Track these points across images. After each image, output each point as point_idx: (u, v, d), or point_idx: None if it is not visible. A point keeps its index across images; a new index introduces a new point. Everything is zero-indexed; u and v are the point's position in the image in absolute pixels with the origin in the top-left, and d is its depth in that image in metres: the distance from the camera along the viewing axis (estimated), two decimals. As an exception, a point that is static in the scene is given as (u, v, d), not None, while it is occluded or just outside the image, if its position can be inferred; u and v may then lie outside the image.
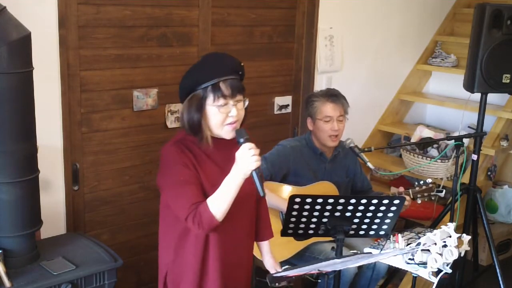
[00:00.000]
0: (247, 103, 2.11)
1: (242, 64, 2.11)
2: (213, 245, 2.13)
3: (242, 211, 2.17)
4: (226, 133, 2.06)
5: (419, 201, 3.02)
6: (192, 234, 2.11)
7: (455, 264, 2.51)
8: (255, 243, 2.43)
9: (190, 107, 2.05)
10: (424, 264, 2.31)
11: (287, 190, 3.02)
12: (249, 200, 2.21)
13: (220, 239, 2.13)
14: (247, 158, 1.93)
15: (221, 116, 2.03)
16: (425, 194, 3.01)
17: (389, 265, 3.01)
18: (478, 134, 3.54)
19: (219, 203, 1.99)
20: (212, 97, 2.01)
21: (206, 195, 2.04)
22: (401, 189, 3.00)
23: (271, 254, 2.48)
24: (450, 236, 2.27)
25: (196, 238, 2.12)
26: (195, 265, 2.14)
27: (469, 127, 4.30)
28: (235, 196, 1.99)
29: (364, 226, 2.44)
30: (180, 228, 2.12)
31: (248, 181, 1.99)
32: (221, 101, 2.01)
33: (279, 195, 2.98)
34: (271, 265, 2.46)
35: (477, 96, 3.56)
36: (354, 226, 2.42)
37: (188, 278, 2.16)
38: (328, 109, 3.07)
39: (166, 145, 2.13)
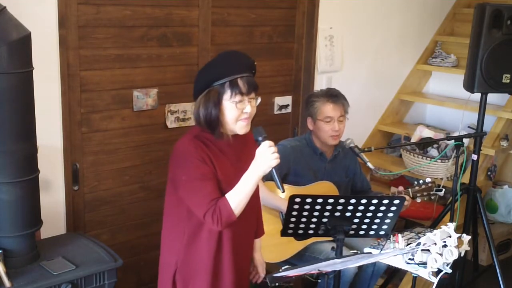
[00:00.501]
0: (259, 100, 2.16)
1: (255, 62, 2.16)
2: (227, 241, 2.16)
3: (250, 209, 2.19)
4: (240, 128, 2.11)
5: (418, 200, 3.02)
6: (204, 230, 2.13)
7: (455, 264, 2.51)
8: None
9: (207, 102, 2.07)
10: (424, 264, 2.31)
11: (287, 190, 3.01)
12: (256, 198, 2.27)
13: (232, 235, 2.16)
14: (267, 155, 2.00)
15: (237, 112, 2.07)
16: (425, 193, 3.01)
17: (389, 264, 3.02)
18: (478, 134, 3.54)
19: (238, 199, 2.03)
20: (229, 93, 2.05)
21: (221, 191, 2.07)
22: (401, 188, 3.00)
23: (260, 252, 2.52)
24: (450, 236, 2.27)
25: (209, 234, 2.13)
26: (210, 260, 2.15)
27: (469, 127, 4.30)
28: (252, 192, 2.05)
29: (364, 226, 2.44)
30: (193, 224, 2.14)
31: None
32: (238, 97, 2.06)
33: (279, 195, 2.98)
34: (260, 263, 2.49)
35: (477, 96, 3.56)
36: (354, 226, 2.42)
37: (202, 274, 2.17)
38: (329, 109, 3.07)
39: (182, 141, 2.13)
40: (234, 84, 2.05)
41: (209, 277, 2.17)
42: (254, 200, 2.25)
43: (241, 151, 2.16)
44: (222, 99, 2.06)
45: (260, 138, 2.05)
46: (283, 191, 2.06)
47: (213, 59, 2.17)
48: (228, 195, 2.04)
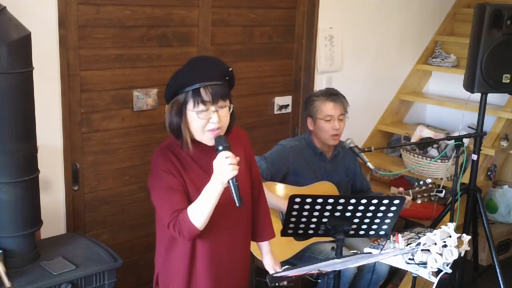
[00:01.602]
0: (231, 108, 2.07)
1: (230, 69, 2.07)
2: (201, 250, 2.13)
3: (232, 216, 2.14)
4: (208, 139, 2.03)
5: (419, 201, 3.02)
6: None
7: (455, 264, 2.51)
8: (255, 243, 2.43)
9: (171, 111, 2.03)
10: (424, 264, 2.31)
11: (287, 190, 3.02)
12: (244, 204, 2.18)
13: (208, 244, 2.12)
14: (224, 167, 1.90)
15: (201, 122, 2.00)
16: (425, 194, 3.01)
17: (389, 267, 3.02)
18: (478, 134, 3.54)
19: (199, 212, 1.98)
20: (192, 103, 1.98)
21: (191, 200, 2.03)
22: (401, 189, 3.00)
23: (271, 254, 2.46)
24: (450, 236, 2.27)
25: (183, 242, 2.11)
26: (184, 268, 2.14)
27: (469, 127, 4.30)
28: (215, 204, 1.97)
29: (364, 226, 2.44)
30: (169, 232, 2.12)
31: (240, 186, 1.96)
32: (201, 107, 1.98)
33: (279, 194, 2.98)
34: (271, 266, 2.44)
35: (477, 96, 3.56)
36: (354, 226, 2.42)
37: (178, 280, 2.16)
38: (329, 108, 3.07)
39: (155, 151, 2.13)
40: (196, 93, 1.97)
41: (183, 283, 2.15)
42: (247, 204, 2.17)
43: (214, 159, 2.02)
44: (185, 108, 2.00)
45: (220, 148, 1.95)
46: (239, 205, 1.93)
47: (182, 66, 2.09)
48: (189, 209, 1.99)
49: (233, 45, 3.52)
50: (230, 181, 1.92)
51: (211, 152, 2.02)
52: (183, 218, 1.99)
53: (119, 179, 3.19)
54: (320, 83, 3.96)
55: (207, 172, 2.03)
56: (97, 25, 2.95)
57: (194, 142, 2.07)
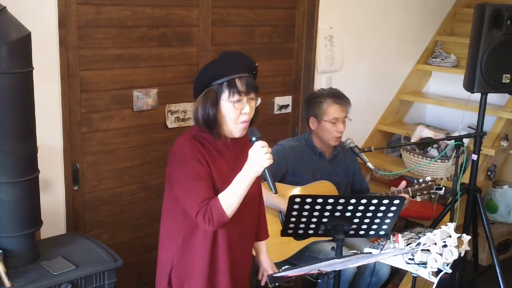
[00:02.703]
0: (259, 101, 2.14)
1: (256, 64, 2.16)
2: (222, 241, 2.15)
3: (248, 210, 2.19)
4: (239, 130, 2.10)
5: (418, 199, 3.02)
6: (200, 229, 2.13)
7: (455, 264, 2.51)
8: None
9: (205, 102, 2.07)
10: (424, 264, 2.31)
11: (286, 190, 3.01)
12: (254, 199, 2.25)
13: (228, 236, 2.16)
14: (260, 156, 1.98)
15: (235, 112, 2.07)
16: (425, 192, 3.01)
17: (390, 270, 3.02)
18: (478, 134, 3.54)
19: (231, 199, 2.02)
20: (227, 93, 2.05)
21: (216, 192, 2.06)
22: (403, 183, 2.99)
23: (267, 254, 2.50)
24: (450, 236, 2.27)
25: (204, 234, 2.13)
26: (204, 260, 2.15)
27: (469, 127, 4.30)
28: (245, 193, 2.03)
29: (364, 226, 2.44)
30: (188, 224, 2.13)
31: (254, 181, 2.03)
32: (236, 97, 2.05)
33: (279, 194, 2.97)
34: (269, 265, 2.47)
35: (477, 96, 3.56)
36: (354, 226, 2.42)
37: (197, 273, 2.17)
38: (336, 111, 3.06)
39: (179, 140, 2.14)
40: (232, 84, 2.05)
41: (204, 277, 2.16)
42: (254, 201, 2.25)
43: (240, 152, 2.14)
44: (220, 99, 2.06)
45: (254, 139, 2.03)
46: (275, 192, 2.03)
47: (214, 59, 2.17)
48: (221, 196, 2.03)
49: (233, 45, 3.52)
50: (266, 170, 1.99)
51: (234, 146, 2.14)
52: (215, 204, 2.02)
53: (119, 179, 3.19)
54: (320, 83, 3.96)
55: (232, 166, 2.11)
56: (97, 25, 2.95)
57: (216, 135, 2.12)
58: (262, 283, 2.51)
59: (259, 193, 2.39)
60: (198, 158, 2.07)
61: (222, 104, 2.07)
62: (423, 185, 3.01)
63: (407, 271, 2.53)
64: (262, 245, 2.49)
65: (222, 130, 2.12)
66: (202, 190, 2.05)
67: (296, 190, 3.02)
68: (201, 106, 2.08)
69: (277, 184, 2.95)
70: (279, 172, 3.03)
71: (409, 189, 2.99)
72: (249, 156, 2.00)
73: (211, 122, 2.08)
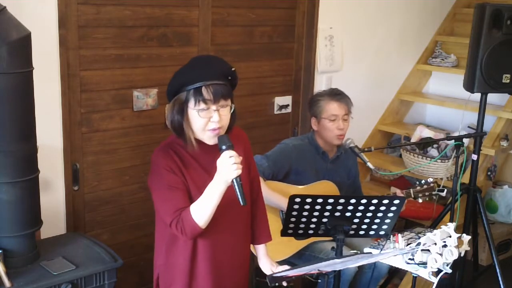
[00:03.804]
0: (232, 108, 2.07)
1: (233, 69, 2.07)
2: (202, 249, 2.13)
3: (233, 216, 2.15)
4: (208, 138, 2.04)
5: (420, 201, 3.02)
6: (180, 238, 2.11)
7: (455, 264, 2.51)
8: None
9: (173, 109, 2.04)
10: (424, 264, 2.31)
11: (288, 189, 3.01)
12: (240, 204, 2.17)
13: (209, 243, 2.13)
14: (228, 166, 1.91)
15: (202, 120, 2.00)
16: (426, 193, 3.01)
17: (389, 265, 3.02)
18: (478, 134, 3.54)
19: (202, 210, 1.98)
20: (193, 101, 1.99)
21: (192, 200, 2.04)
22: (398, 191, 3.00)
23: (267, 257, 2.42)
24: (450, 236, 2.27)
25: (184, 242, 2.12)
26: (185, 268, 2.14)
27: (469, 127, 4.30)
28: (218, 203, 1.98)
29: (364, 226, 2.44)
30: (170, 232, 2.12)
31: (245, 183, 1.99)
32: (202, 105, 1.99)
33: (280, 193, 2.97)
34: (268, 268, 2.40)
35: (477, 96, 3.56)
36: (354, 226, 2.42)
37: (179, 280, 2.16)
38: (334, 108, 3.06)
39: (156, 149, 2.13)
40: (198, 92, 1.98)
41: (185, 283, 2.15)
42: (239, 207, 2.15)
43: (215, 158, 2.02)
44: (187, 107, 2.01)
45: (223, 147, 1.95)
46: (243, 204, 1.94)
47: (185, 64, 2.10)
48: (192, 207, 2.00)
49: (233, 45, 3.52)
50: (234, 180, 1.92)
51: (212, 151, 2.04)
52: (186, 216, 1.99)
53: (119, 179, 3.19)
54: (320, 83, 3.96)
55: (208, 172, 2.05)
56: (97, 25, 2.95)
57: (195, 141, 2.07)
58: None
59: (255, 197, 2.35)
60: (171, 168, 2.04)
61: (189, 112, 2.02)
62: (425, 186, 3.01)
63: (407, 271, 2.53)
64: (260, 249, 2.42)
65: (192, 136, 2.06)
66: (175, 200, 2.03)
67: (298, 190, 3.02)
68: (170, 113, 2.05)
69: (279, 183, 3.00)
70: (282, 171, 3.03)
71: (411, 190, 2.99)
72: (217, 167, 1.95)
73: (178, 129, 2.05)
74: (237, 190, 1.93)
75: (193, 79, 1.99)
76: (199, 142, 2.08)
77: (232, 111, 2.08)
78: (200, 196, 2.00)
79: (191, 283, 2.16)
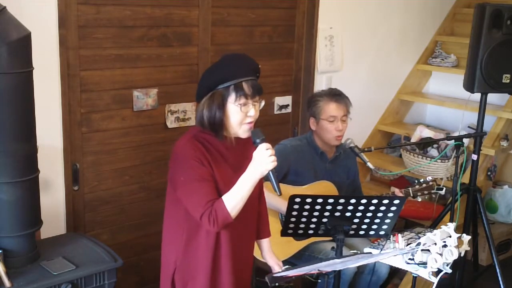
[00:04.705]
0: (263, 104, 2.15)
1: (259, 66, 2.16)
2: (224, 242, 2.16)
3: (249, 211, 2.18)
4: (244, 132, 2.11)
5: (419, 199, 3.02)
6: (202, 231, 2.13)
7: (455, 264, 2.51)
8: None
9: (211, 105, 2.08)
10: (424, 264, 2.31)
11: (287, 189, 3.01)
12: (254, 200, 2.25)
13: (230, 236, 2.16)
14: (264, 158, 1.99)
15: (241, 115, 2.07)
16: (425, 192, 3.01)
17: (389, 269, 3.02)
18: (478, 134, 3.54)
19: (235, 200, 2.02)
20: (234, 96, 2.06)
21: (219, 193, 2.07)
22: (396, 190, 3.00)
23: (272, 251, 2.51)
24: (450, 236, 2.27)
25: (207, 235, 2.13)
26: (208, 261, 2.15)
27: (469, 127, 4.30)
28: (249, 194, 2.04)
29: (364, 226, 2.44)
30: (191, 225, 2.14)
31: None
32: (243, 100, 2.06)
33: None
34: (275, 262, 2.48)
35: (477, 96, 3.56)
36: (354, 226, 2.42)
37: (201, 274, 2.17)
38: (332, 109, 3.06)
39: (180, 141, 2.14)
40: (239, 87, 2.05)
41: (207, 278, 2.16)
42: (253, 203, 2.24)
43: (242, 154, 2.15)
44: (226, 102, 2.07)
45: (258, 140, 2.04)
46: (280, 194, 2.05)
47: (218, 62, 2.16)
48: (225, 197, 2.03)
49: (233, 45, 3.52)
50: (270, 172, 2.01)
51: (236, 148, 2.14)
52: (220, 206, 2.02)
53: (119, 179, 3.19)
54: (320, 83, 3.96)
55: (233, 167, 2.12)
56: (97, 25, 2.95)
57: (219, 137, 2.13)
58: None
59: (259, 193, 2.40)
60: (200, 159, 2.07)
61: (229, 107, 2.07)
62: (424, 185, 3.01)
63: (407, 271, 2.53)
64: (265, 243, 2.51)
65: (227, 132, 2.12)
66: (206, 192, 2.05)
67: (297, 190, 3.01)
68: (207, 108, 2.08)
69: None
70: (281, 171, 3.03)
71: (410, 189, 2.98)
72: (253, 158, 2.01)
73: (217, 125, 2.09)
74: (274, 181, 2.02)
75: (233, 75, 2.06)
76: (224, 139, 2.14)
77: (261, 107, 2.15)
78: (228, 189, 2.04)
79: (214, 275, 2.18)
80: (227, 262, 2.17)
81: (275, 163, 2.01)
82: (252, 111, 2.09)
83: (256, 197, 2.31)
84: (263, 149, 2.00)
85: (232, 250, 2.18)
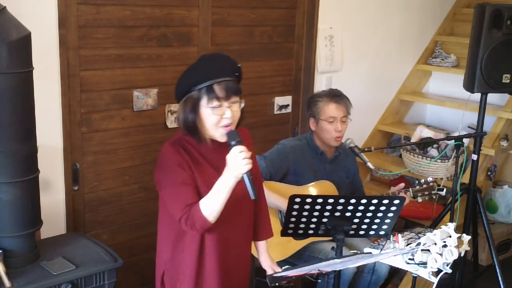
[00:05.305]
0: (243, 104, 2.10)
1: (239, 65, 2.10)
2: (209, 245, 2.14)
3: (239, 212, 2.17)
4: (221, 135, 2.06)
5: (419, 200, 3.01)
6: (188, 233, 2.12)
7: (455, 264, 2.51)
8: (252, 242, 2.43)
9: (185, 108, 2.05)
10: (424, 264, 2.31)
11: (286, 189, 3.02)
12: (246, 200, 2.19)
13: (216, 239, 2.14)
14: (238, 161, 1.93)
15: (215, 117, 2.03)
16: (426, 192, 3.01)
17: (389, 268, 3.02)
18: (478, 134, 3.54)
19: (212, 205, 2.00)
20: (206, 99, 2.01)
21: (201, 197, 2.05)
22: (402, 184, 2.99)
23: (267, 253, 2.47)
24: (450, 236, 2.27)
25: (192, 237, 2.13)
26: (192, 263, 2.15)
27: (469, 127, 4.30)
28: (227, 198, 2.00)
29: (364, 226, 2.44)
30: (177, 228, 2.13)
31: (243, 182, 1.99)
32: (215, 103, 2.01)
33: (278, 194, 2.97)
34: (268, 265, 2.45)
35: (477, 96, 3.56)
36: (354, 226, 2.42)
37: (186, 276, 2.17)
38: (332, 109, 3.06)
39: (164, 145, 2.14)
40: (210, 89, 2.00)
41: (192, 280, 2.16)
42: (245, 204, 2.19)
43: (224, 156, 2.05)
44: (199, 105, 2.03)
45: (233, 143, 1.98)
46: (254, 198, 1.97)
47: (193, 63, 2.12)
48: (202, 202, 2.01)
49: (233, 45, 3.52)
50: (245, 175, 1.95)
51: (220, 149, 2.07)
52: (196, 211, 2.01)
53: (119, 179, 3.19)
54: (320, 83, 3.96)
55: (217, 169, 2.07)
56: (97, 25, 2.95)
57: (201, 140, 2.09)
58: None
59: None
60: (180, 163, 2.06)
61: (202, 110, 2.03)
62: (424, 185, 3.01)
63: (407, 271, 2.53)
64: (261, 245, 2.46)
65: (204, 135, 2.09)
66: (185, 196, 2.04)
67: (296, 190, 3.01)
68: (182, 112, 2.07)
69: (277, 183, 3.00)
70: (280, 171, 3.03)
71: (410, 189, 2.98)
72: (227, 161, 1.96)
73: (191, 128, 2.06)
74: (248, 184, 1.95)
75: (205, 77, 2.01)
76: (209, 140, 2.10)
77: (241, 107, 2.10)
78: (209, 192, 2.02)
79: (199, 278, 2.17)
80: (213, 265, 2.15)
81: (249, 166, 1.94)
82: (228, 113, 2.02)
83: (249, 199, 2.27)
84: (236, 152, 1.94)
85: (219, 253, 2.15)
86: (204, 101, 2.02)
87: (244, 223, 2.26)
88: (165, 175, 2.09)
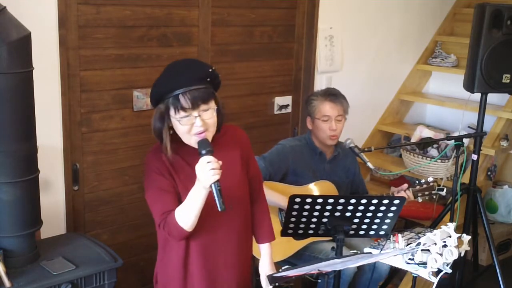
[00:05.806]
0: (214, 112, 2.02)
1: (211, 69, 2.03)
2: (195, 248, 2.13)
3: (228, 215, 2.10)
4: (195, 142, 2.01)
5: (420, 200, 3.01)
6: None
7: (455, 264, 2.51)
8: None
9: (154, 116, 2.04)
10: (424, 264, 2.31)
11: (286, 189, 3.02)
12: (237, 206, 2.16)
13: (202, 242, 2.12)
14: (205, 172, 1.89)
15: (185, 127, 1.99)
16: (426, 192, 3.01)
17: (390, 266, 3.02)
18: (478, 134, 3.54)
19: (186, 215, 1.99)
20: (173, 110, 1.98)
21: (182, 202, 2.03)
22: (405, 185, 2.98)
23: (268, 259, 2.39)
24: (450, 236, 2.27)
25: (177, 243, 2.12)
26: (179, 266, 2.15)
27: (469, 127, 4.30)
28: (201, 207, 1.97)
29: (364, 226, 2.44)
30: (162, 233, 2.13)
31: (235, 186, 2.00)
32: (182, 113, 1.97)
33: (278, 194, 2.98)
34: (264, 269, 2.38)
35: (477, 96, 3.56)
36: (354, 226, 2.42)
37: (175, 277, 2.18)
38: (326, 108, 3.07)
39: (148, 151, 2.14)
40: (175, 100, 1.96)
41: (180, 281, 2.16)
42: (237, 208, 2.16)
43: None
44: (168, 115, 2.00)
45: (203, 152, 1.93)
46: (222, 210, 1.92)
47: (161, 73, 2.07)
48: (176, 211, 2.00)
49: (233, 45, 3.52)
50: (213, 186, 1.90)
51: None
52: (171, 220, 2.01)
53: (119, 179, 3.19)
54: (320, 83, 3.96)
55: None
56: (97, 25, 2.95)
57: (186, 144, 2.06)
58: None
59: (257, 195, 2.34)
60: (160, 171, 2.05)
61: (172, 120, 2.01)
62: (424, 185, 3.01)
63: (407, 271, 2.53)
64: (262, 248, 2.40)
65: (168, 144, 2.03)
66: (163, 203, 2.04)
67: (296, 190, 3.01)
68: (152, 121, 2.05)
69: (277, 183, 3.00)
70: (280, 172, 3.03)
71: (411, 189, 2.98)
72: (196, 172, 1.92)
73: (158, 136, 2.05)
74: (215, 195, 1.91)
75: (170, 88, 1.97)
76: (189, 146, 2.05)
77: (219, 109, 2.05)
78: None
79: (186, 281, 2.17)
80: (198, 269, 2.14)
81: (217, 176, 1.89)
82: (198, 122, 1.96)
83: (245, 201, 2.23)
84: (203, 163, 1.89)
85: (205, 258, 2.14)
86: (171, 112, 1.99)
87: (235, 226, 2.20)
88: (147, 182, 2.10)
